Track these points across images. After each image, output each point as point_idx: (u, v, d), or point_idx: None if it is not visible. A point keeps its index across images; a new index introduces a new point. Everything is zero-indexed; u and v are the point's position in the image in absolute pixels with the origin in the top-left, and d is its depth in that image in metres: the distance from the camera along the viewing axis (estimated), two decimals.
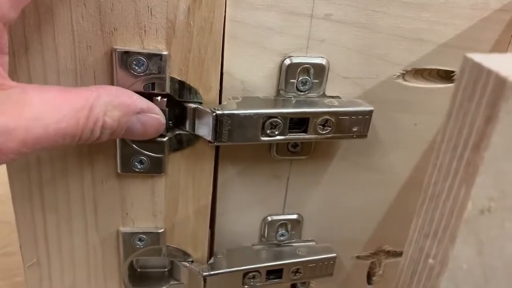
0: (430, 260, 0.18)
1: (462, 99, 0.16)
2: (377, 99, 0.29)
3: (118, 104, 0.23)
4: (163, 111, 0.26)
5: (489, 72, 0.14)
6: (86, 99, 0.22)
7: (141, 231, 0.30)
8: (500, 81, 0.14)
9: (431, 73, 0.30)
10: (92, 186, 0.29)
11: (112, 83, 0.25)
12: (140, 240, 0.30)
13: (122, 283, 0.32)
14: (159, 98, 0.26)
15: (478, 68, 0.15)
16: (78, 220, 0.30)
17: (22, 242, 0.30)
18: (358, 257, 0.36)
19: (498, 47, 0.29)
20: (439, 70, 0.30)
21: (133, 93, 0.24)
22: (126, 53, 0.24)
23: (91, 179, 0.28)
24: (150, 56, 0.24)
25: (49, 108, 0.21)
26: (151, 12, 0.24)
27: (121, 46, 0.24)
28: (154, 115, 0.25)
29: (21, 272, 0.40)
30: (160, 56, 0.25)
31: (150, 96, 0.26)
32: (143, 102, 0.25)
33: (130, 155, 0.27)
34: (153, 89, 0.25)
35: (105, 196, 0.29)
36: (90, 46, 0.24)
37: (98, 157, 0.28)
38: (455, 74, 0.30)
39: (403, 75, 0.29)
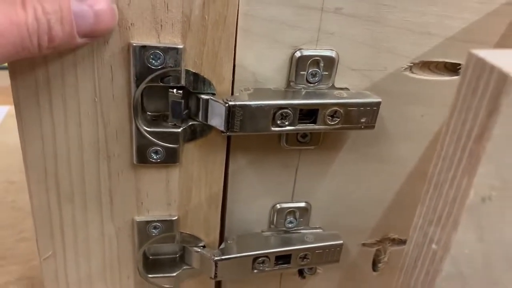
0: (434, 246, 0.19)
1: (466, 93, 0.16)
2: (384, 91, 0.30)
3: None
4: (179, 102, 0.27)
5: (492, 67, 0.15)
6: None
7: (155, 219, 0.31)
8: (502, 76, 0.15)
9: (438, 66, 0.30)
10: (108, 178, 0.29)
11: (128, 77, 0.26)
12: (155, 228, 0.31)
13: (137, 271, 0.33)
14: (174, 90, 0.27)
15: (482, 64, 0.15)
16: (94, 212, 0.30)
17: (39, 235, 0.31)
18: (364, 245, 0.37)
19: (505, 40, 0.30)
20: (446, 63, 0.30)
21: None
22: (144, 47, 0.25)
23: (107, 171, 0.29)
24: (166, 50, 0.25)
25: None
26: (167, 7, 0.25)
27: (137, 41, 0.25)
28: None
29: (37, 257, 0.41)
30: (176, 49, 0.25)
31: (165, 88, 0.27)
32: None
33: (146, 146, 0.28)
34: (169, 82, 0.26)
35: (121, 187, 0.30)
36: (107, 41, 0.25)
37: (114, 149, 0.29)
38: (461, 67, 0.30)
39: (410, 68, 0.30)
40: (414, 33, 0.28)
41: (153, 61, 0.25)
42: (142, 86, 0.26)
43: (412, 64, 0.30)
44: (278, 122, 0.27)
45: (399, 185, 0.34)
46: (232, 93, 0.28)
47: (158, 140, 0.28)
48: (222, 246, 0.32)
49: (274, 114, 0.27)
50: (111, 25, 0.25)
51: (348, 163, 0.32)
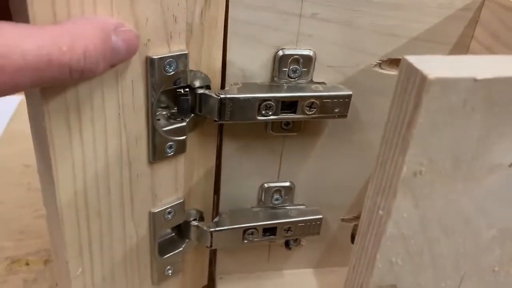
0: (380, 212, 0.23)
1: (401, 90, 0.21)
2: (357, 85, 0.34)
3: (97, 26, 0.23)
4: (186, 100, 0.30)
5: (416, 70, 0.19)
6: (63, 28, 0.22)
7: (168, 206, 0.34)
8: (423, 78, 0.19)
9: None
10: (129, 182, 0.31)
11: (146, 87, 0.29)
12: (168, 213, 0.35)
13: (152, 258, 0.36)
14: (182, 90, 0.31)
15: (411, 68, 0.20)
16: (118, 218, 0.32)
17: (70, 256, 0.30)
18: (343, 220, 0.41)
19: (462, 40, 0.34)
20: None
21: (96, 16, 0.24)
22: (161, 59, 0.28)
23: (128, 176, 0.31)
24: (178, 57, 0.29)
25: (24, 36, 0.20)
26: (175, 20, 0.28)
27: (153, 54, 0.28)
28: (128, 28, 0.25)
29: None
30: (185, 55, 0.29)
31: (175, 90, 0.30)
32: (112, 20, 0.25)
33: (162, 144, 0.31)
34: (180, 83, 0.30)
35: (140, 186, 0.32)
36: (129, 60, 0.27)
37: (134, 154, 0.30)
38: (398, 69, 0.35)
39: (379, 64, 0.34)
40: (381, 34, 0.33)
41: (168, 69, 0.29)
42: (159, 92, 0.29)
43: (381, 61, 0.34)
44: (263, 112, 0.32)
45: (372, 168, 0.38)
46: (223, 87, 0.33)
47: (171, 136, 0.31)
48: (217, 219, 0.37)
49: (260, 105, 0.32)
50: (136, 51, 0.26)
51: (327, 147, 0.37)
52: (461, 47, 0.34)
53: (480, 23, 0.33)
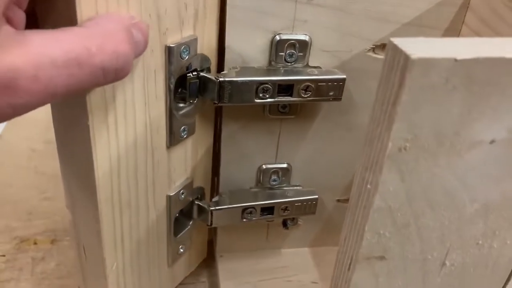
0: (368, 186, 0.25)
1: (388, 70, 0.22)
2: (351, 69, 0.35)
3: (119, 21, 0.23)
4: (195, 83, 0.32)
5: (400, 51, 0.21)
6: (86, 29, 0.22)
7: (181, 187, 0.36)
8: (406, 57, 0.20)
9: None
10: (152, 170, 0.32)
11: (165, 75, 0.29)
12: (182, 194, 0.36)
13: (168, 240, 0.37)
14: (191, 74, 0.32)
15: (396, 49, 0.21)
16: (143, 206, 0.33)
17: (106, 251, 0.31)
18: (338, 200, 0.43)
19: (454, 25, 0.35)
20: None
21: (112, 12, 0.24)
22: (178, 46, 0.29)
23: (152, 164, 0.32)
24: (190, 43, 0.30)
25: (52, 42, 0.20)
26: (186, 7, 0.29)
27: (171, 42, 0.29)
28: (140, 21, 0.25)
29: (60, 213, 0.48)
30: (195, 39, 0.31)
31: (185, 75, 0.32)
32: (125, 13, 0.25)
33: (178, 128, 0.33)
34: (191, 67, 0.31)
35: (160, 172, 0.33)
36: (152, 50, 0.28)
37: (156, 142, 0.31)
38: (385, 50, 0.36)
39: (373, 49, 0.35)
40: (374, 20, 0.34)
41: (184, 55, 0.30)
42: (176, 78, 0.30)
43: (374, 46, 0.35)
44: (260, 95, 0.33)
45: None
46: (222, 71, 0.34)
47: (185, 119, 0.33)
48: (216, 198, 0.39)
49: (257, 88, 0.33)
50: (147, 44, 0.26)
51: (322, 130, 0.38)
52: (452, 31, 0.35)
53: (471, 8, 0.34)
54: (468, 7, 0.34)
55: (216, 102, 0.33)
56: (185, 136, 0.34)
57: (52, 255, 0.45)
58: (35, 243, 0.46)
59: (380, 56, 0.36)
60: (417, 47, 0.21)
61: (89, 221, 0.30)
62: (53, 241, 0.47)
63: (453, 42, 0.22)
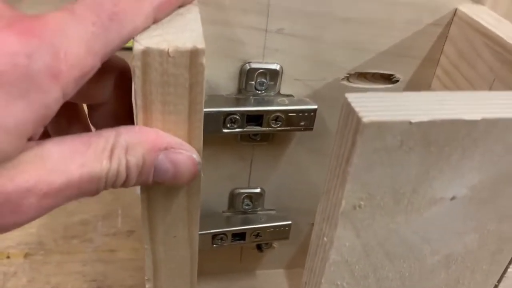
0: (325, 239, 0.24)
1: (342, 126, 0.21)
2: (325, 98, 0.34)
3: (140, 141, 0.22)
4: None
5: (353, 111, 0.20)
6: (106, 139, 0.22)
7: None
8: (358, 119, 0.19)
9: (374, 75, 0.35)
10: None
11: None
12: None
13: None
14: None
15: (349, 107, 0.20)
16: None
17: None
18: (313, 224, 0.42)
19: (432, 54, 0.34)
20: (381, 73, 0.35)
21: (159, 130, 0.23)
22: None
23: None
24: None
25: (70, 155, 0.20)
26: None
27: None
28: (185, 152, 0.23)
29: (35, 224, 0.47)
30: None
31: None
32: (170, 138, 0.23)
33: None
34: None
35: None
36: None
37: None
38: (394, 76, 0.35)
39: (347, 78, 0.34)
40: (348, 49, 0.33)
41: None
42: None
43: (348, 75, 0.34)
44: (228, 125, 0.32)
45: None
46: None
47: None
48: None
49: (225, 119, 0.32)
50: (191, 177, 0.24)
51: (295, 156, 0.37)
52: (431, 61, 0.34)
53: (450, 39, 0.33)
54: (447, 37, 0.33)
55: None
56: None
57: (24, 270, 0.45)
58: (8, 257, 0.46)
59: (355, 84, 0.34)
60: (371, 107, 0.20)
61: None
62: (26, 255, 0.46)
63: (410, 101, 0.21)
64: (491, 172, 0.22)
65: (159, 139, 0.23)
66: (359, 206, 0.22)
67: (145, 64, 0.21)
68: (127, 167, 0.22)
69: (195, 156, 0.24)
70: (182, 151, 0.23)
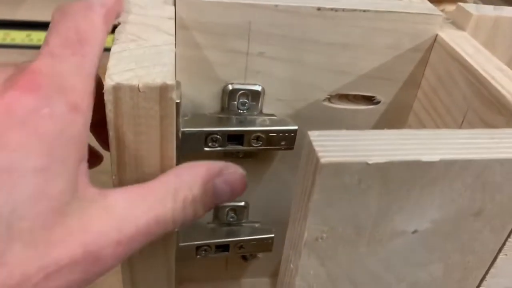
0: (291, 265, 0.25)
1: (306, 162, 0.22)
2: (307, 117, 0.35)
3: (197, 174, 0.24)
4: None
5: (313, 150, 0.20)
6: (167, 183, 0.23)
7: None
8: (317, 159, 0.20)
9: (355, 96, 0.35)
10: None
11: None
12: None
13: None
14: None
15: (311, 145, 0.21)
16: None
17: None
18: None
19: (413, 78, 0.34)
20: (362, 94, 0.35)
21: (203, 161, 0.25)
22: None
23: None
24: None
25: (135, 203, 0.22)
26: None
27: None
28: (234, 170, 0.26)
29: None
30: None
31: None
32: (218, 163, 0.25)
33: None
34: None
35: None
36: None
37: None
38: (376, 98, 0.35)
39: (329, 99, 0.35)
40: (329, 72, 0.33)
41: None
42: None
43: (330, 96, 0.35)
44: (210, 144, 0.33)
45: None
46: None
47: None
48: None
49: (206, 138, 0.33)
50: (244, 189, 0.26)
51: (279, 171, 0.38)
52: (412, 83, 0.35)
53: (430, 64, 0.33)
54: (427, 62, 0.33)
55: None
56: None
57: None
58: None
59: (336, 105, 0.35)
60: (330, 147, 0.21)
61: None
62: None
63: (370, 140, 0.21)
64: (452, 208, 0.23)
65: (211, 167, 0.25)
66: (321, 238, 0.23)
67: (116, 98, 0.22)
68: (193, 202, 0.23)
69: (241, 170, 0.26)
70: (231, 171, 0.26)
